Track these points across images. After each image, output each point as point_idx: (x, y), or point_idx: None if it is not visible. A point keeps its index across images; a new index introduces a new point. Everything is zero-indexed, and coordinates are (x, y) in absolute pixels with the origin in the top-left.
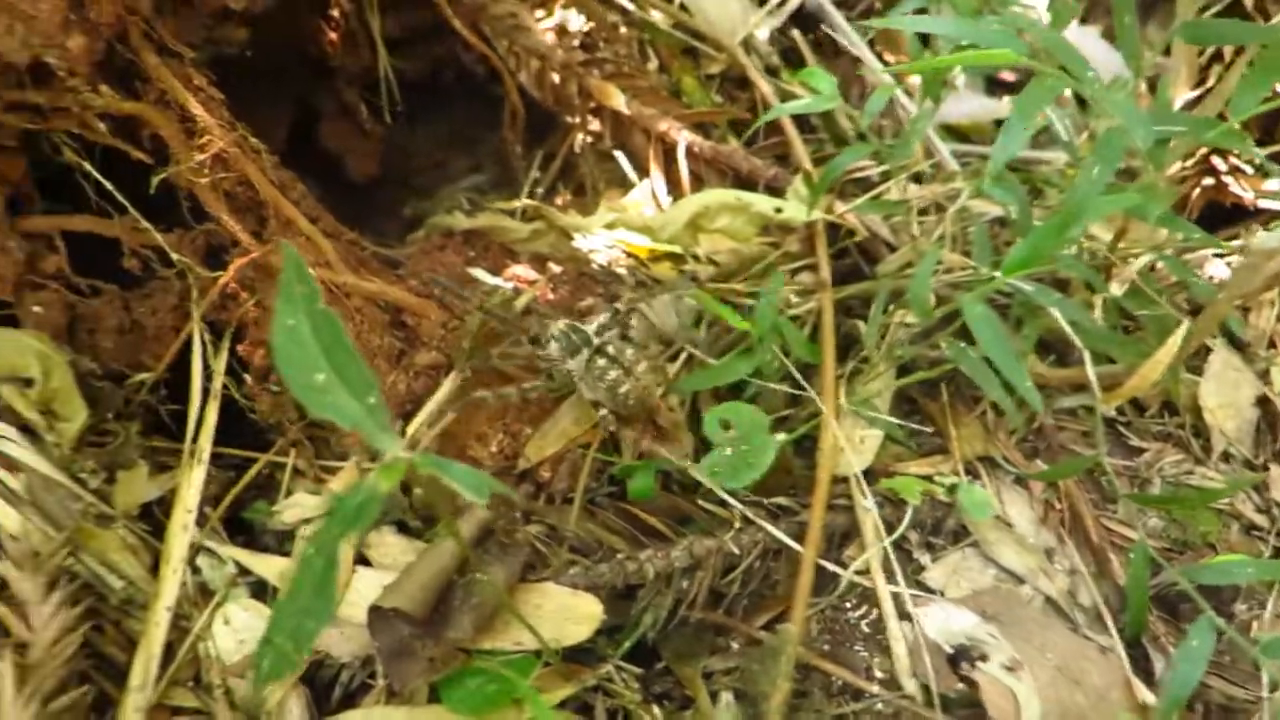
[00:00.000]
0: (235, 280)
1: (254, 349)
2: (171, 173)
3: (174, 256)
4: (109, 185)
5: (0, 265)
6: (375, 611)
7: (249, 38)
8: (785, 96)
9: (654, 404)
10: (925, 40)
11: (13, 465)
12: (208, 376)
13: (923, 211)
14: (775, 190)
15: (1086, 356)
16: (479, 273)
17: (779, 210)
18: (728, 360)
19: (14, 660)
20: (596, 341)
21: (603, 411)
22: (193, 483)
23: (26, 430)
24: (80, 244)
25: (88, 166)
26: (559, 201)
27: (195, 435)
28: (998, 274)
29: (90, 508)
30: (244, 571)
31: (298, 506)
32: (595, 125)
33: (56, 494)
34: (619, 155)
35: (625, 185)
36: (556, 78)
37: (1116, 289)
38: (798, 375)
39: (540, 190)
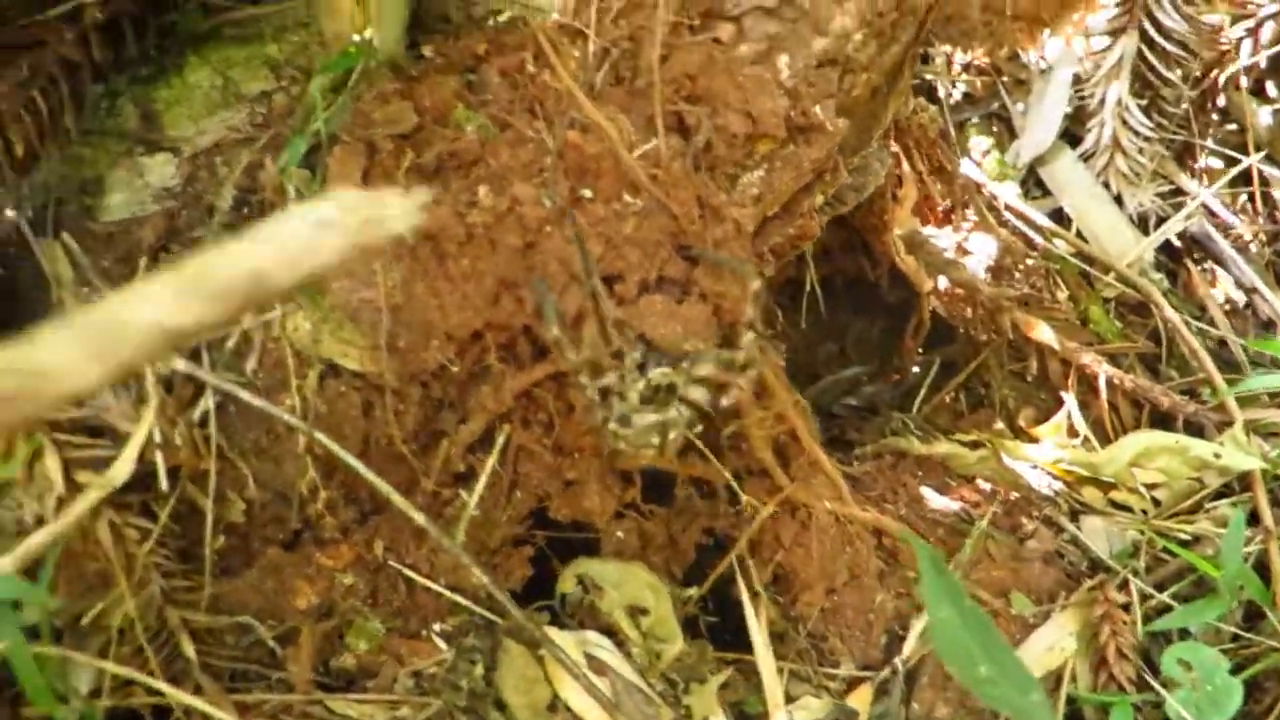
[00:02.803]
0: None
1: (762, 566)
2: (739, 425)
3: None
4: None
5: (603, 500)
6: None
7: None
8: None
9: None
10: None
11: (601, 669)
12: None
13: None
14: (1193, 425)
15: None
16: (929, 493)
17: (1218, 456)
18: (1197, 605)
19: None
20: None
21: None
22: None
23: (610, 634)
24: None
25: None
26: (947, 400)
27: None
28: None
29: (662, 712)
30: None
31: (805, 710)
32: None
33: (634, 698)
34: (1025, 374)
35: (1036, 406)
36: (983, 310)
37: None
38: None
39: (937, 398)
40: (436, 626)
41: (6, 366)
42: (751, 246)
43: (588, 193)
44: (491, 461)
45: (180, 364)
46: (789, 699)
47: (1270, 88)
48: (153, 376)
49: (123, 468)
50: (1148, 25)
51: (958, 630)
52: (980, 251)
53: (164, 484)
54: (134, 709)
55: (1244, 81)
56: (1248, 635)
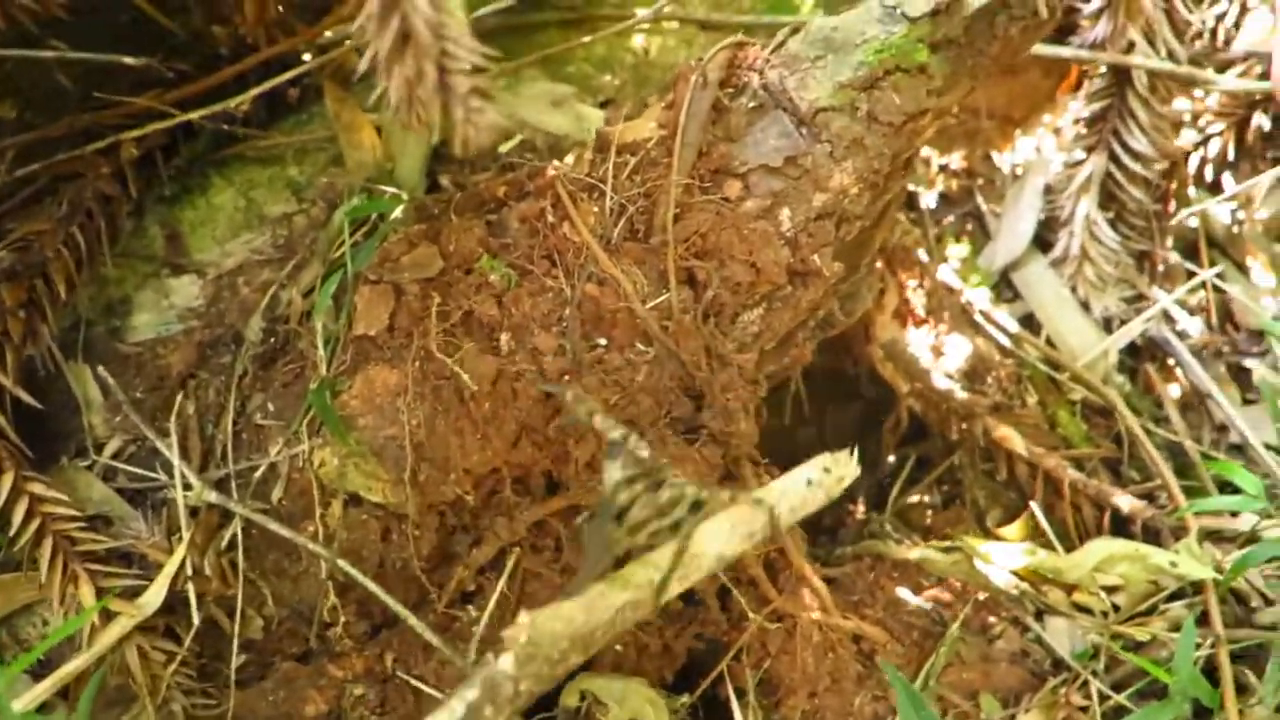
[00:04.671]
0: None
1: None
2: None
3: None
4: None
5: None
6: None
7: None
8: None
9: None
10: None
11: None
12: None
13: None
14: (1151, 529)
15: None
16: (905, 594)
17: (1174, 564)
18: (1152, 709)
19: None
20: None
21: None
22: None
23: None
24: None
25: None
26: (922, 496)
27: None
28: None
29: None
30: None
31: None
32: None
33: None
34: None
35: (1004, 505)
36: (956, 415)
37: None
38: None
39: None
40: None
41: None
42: (752, 386)
43: (603, 342)
44: (501, 583)
45: (211, 495)
46: None
47: (1226, 181)
48: (184, 508)
49: (155, 596)
50: (1115, 146)
51: None
52: (955, 353)
53: (195, 614)
54: None
55: (1192, 192)
56: None
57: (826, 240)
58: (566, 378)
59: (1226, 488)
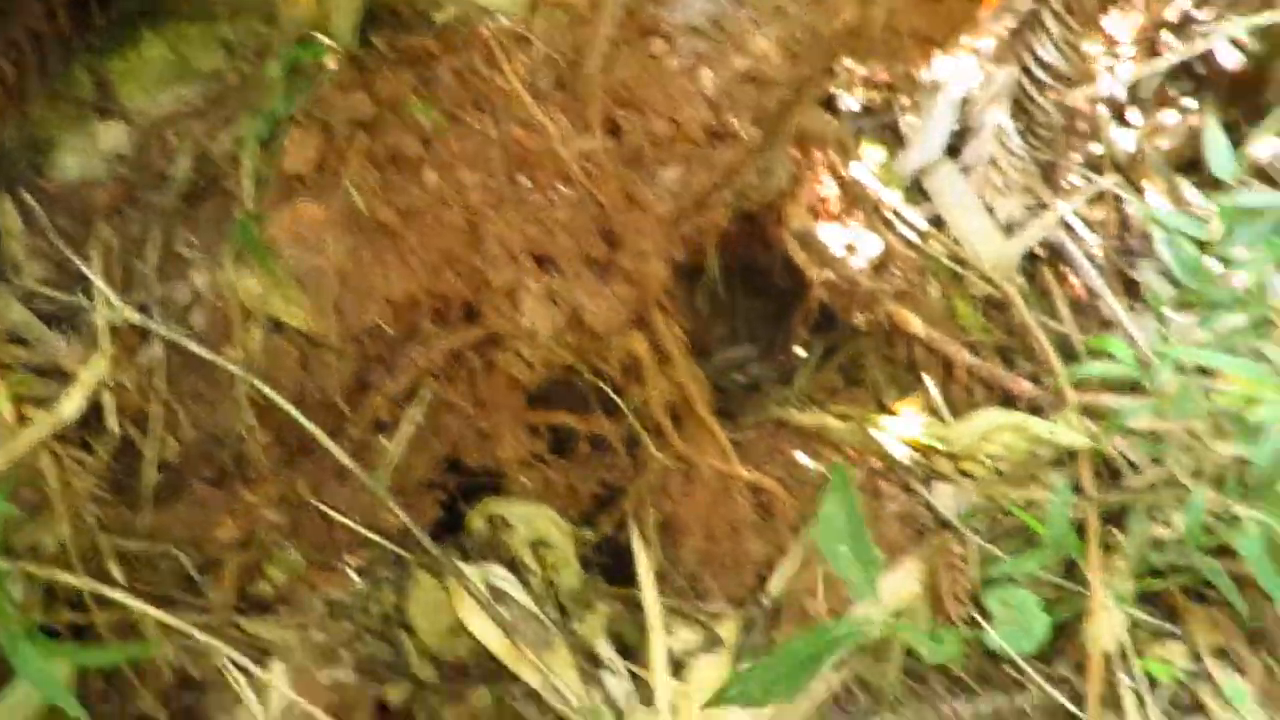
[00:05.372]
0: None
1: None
2: (645, 394)
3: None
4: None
5: (515, 449)
6: None
7: None
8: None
9: None
10: None
11: (501, 598)
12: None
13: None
14: (1035, 406)
15: None
16: (803, 458)
17: (1052, 433)
18: (1023, 557)
19: None
20: None
21: None
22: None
23: (512, 568)
24: None
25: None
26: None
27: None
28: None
29: (555, 637)
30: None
31: (679, 639)
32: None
33: (530, 625)
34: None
35: (902, 386)
36: (862, 301)
37: None
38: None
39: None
40: (350, 560)
41: None
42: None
43: (527, 181)
44: (415, 412)
45: (133, 316)
46: (667, 631)
47: (1131, 116)
48: (104, 325)
49: (72, 404)
50: (1028, 58)
51: (839, 519)
52: (865, 248)
53: (114, 423)
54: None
55: (1102, 110)
56: (1064, 583)
57: (746, 104)
58: (490, 210)
59: None
